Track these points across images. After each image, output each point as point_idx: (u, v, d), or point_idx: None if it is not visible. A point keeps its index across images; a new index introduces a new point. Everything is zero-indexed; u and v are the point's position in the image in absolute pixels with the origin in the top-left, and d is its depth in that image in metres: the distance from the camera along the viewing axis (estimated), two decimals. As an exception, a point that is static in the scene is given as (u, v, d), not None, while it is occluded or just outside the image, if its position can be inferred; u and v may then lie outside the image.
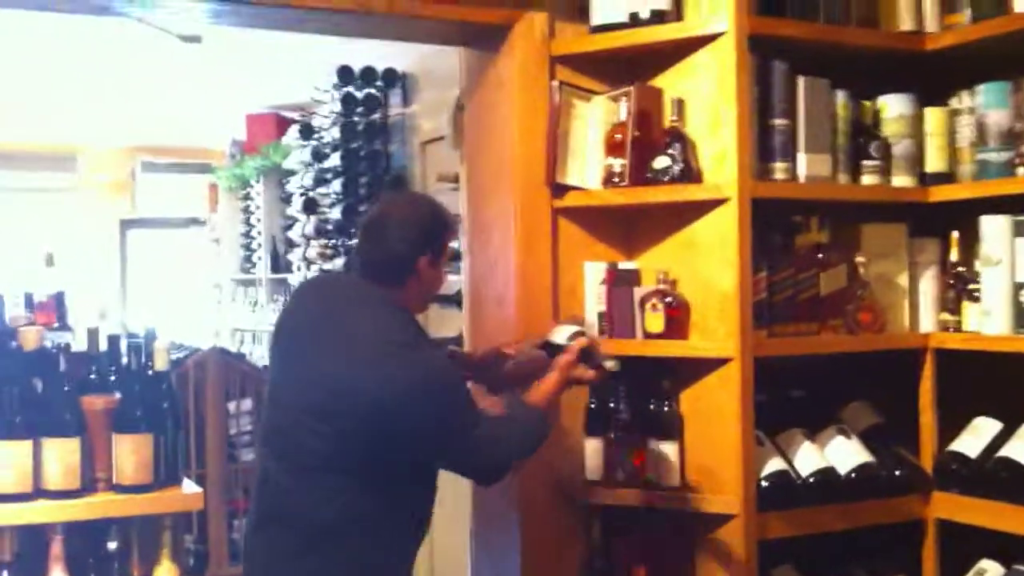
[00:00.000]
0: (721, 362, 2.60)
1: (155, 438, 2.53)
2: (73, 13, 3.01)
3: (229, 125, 7.57)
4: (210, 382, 5.02)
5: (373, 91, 5.12)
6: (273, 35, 4.27)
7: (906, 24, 2.83)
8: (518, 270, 2.77)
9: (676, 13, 2.71)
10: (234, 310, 8.08)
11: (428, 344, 2.44)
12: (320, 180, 5.65)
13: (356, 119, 5.16)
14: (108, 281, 8.99)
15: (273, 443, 2.40)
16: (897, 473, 2.78)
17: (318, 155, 5.56)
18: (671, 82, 2.75)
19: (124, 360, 2.66)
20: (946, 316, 2.84)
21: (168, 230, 9.37)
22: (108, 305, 8.52)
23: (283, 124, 6.83)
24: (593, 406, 2.77)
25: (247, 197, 7.78)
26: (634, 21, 2.71)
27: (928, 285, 2.90)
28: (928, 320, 2.89)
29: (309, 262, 6.04)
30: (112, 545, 2.50)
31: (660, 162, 2.67)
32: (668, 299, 2.67)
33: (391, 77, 5.05)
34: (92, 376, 2.64)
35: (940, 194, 2.83)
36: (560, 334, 2.46)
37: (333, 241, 5.66)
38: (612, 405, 2.74)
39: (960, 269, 2.81)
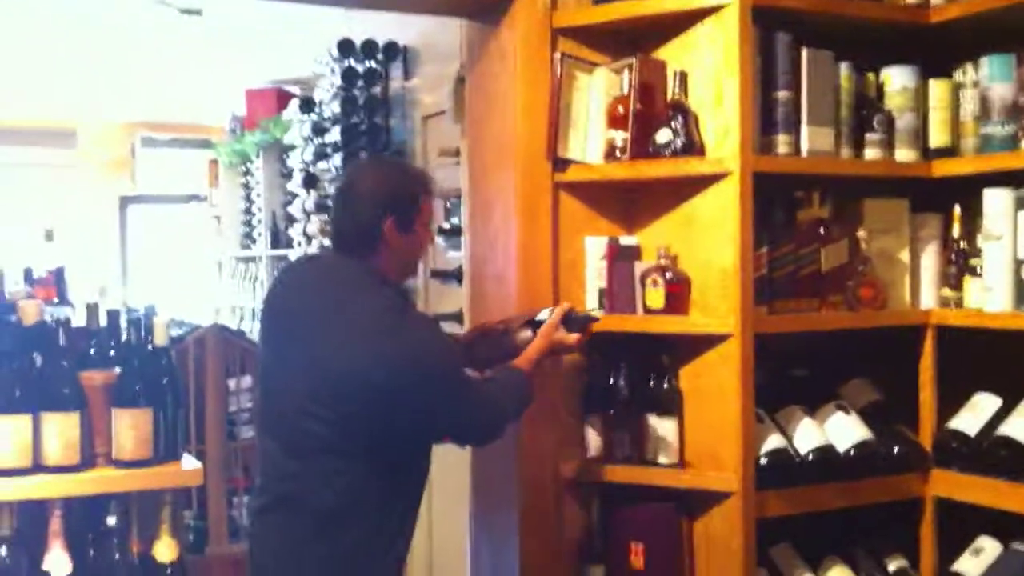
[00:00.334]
0: (721, 338, 2.59)
1: (154, 413, 2.52)
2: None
3: (229, 100, 7.53)
4: (210, 359, 5.01)
5: (374, 65, 5.08)
6: (273, 7, 4.24)
7: (910, -4, 2.81)
8: (519, 245, 2.75)
9: (679, -16, 2.68)
10: (234, 287, 8.06)
11: (416, 314, 2.45)
12: (320, 155, 5.62)
13: (357, 93, 5.11)
14: (108, 258, 8.99)
15: (273, 428, 2.40)
16: (896, 450, 2.78)
17: (318, 129, 5.52)
18: (674, 54, 2.73)
19: (124, 335, 2.66)
20: (947, 292, 2.82)
21: (168, 206, 9.36)
22: (108, 282, 8.52)
23: (283, 99, 6.79)
24: (592, 383, 2.76)
25: (247, 173, 7.75)
26: (636, -8, 2.69)
27: (930, 261, 2.88)
28: (929, 296, 2.87)
29: (310, 237, 6.02)
30: (111, 520, 2.50)
31: (662, 135, 2.65)
32: (668, 275, 2.66)
33: (392, 50, 5.00)
34: (92, 351, 2.64)
35: (943, 168, 2.81)
36: (544, 313, 2.58)
37: (333, 216, 5.62)
38: (611, 382, 2.73)
39: (962, 244, 2.80)
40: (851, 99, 2.78)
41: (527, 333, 2.57)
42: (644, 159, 2.67)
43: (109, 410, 2.50)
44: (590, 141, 2.77)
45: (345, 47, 5.07)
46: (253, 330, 6.98)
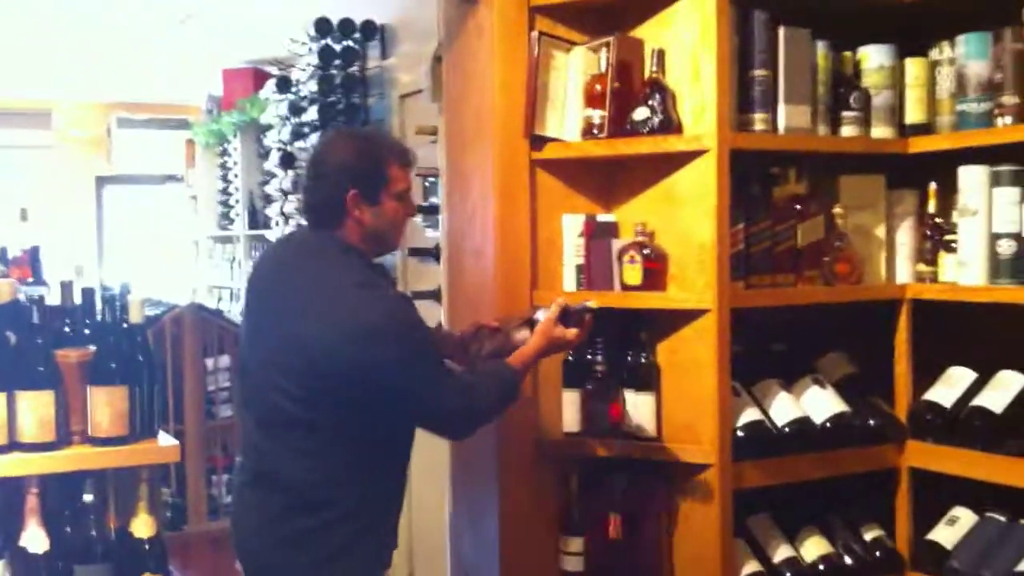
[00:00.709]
0: (698, 313, 2.60)
1: (130, 390, 2.52)
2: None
3: (206, 80, 7.49)
4: (187, 338, 5.01)
5: (351, 44, 5.07)
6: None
7: (887, -26, 2.82)
8: (496, 223, 2.75)
9: (656, -38, 2.68)
10: (212, 266, 8.04)
11: (383, 283, 2.39)
12: (298, 134, 5.61)
13: (334, 72, 5.10)
14: (84, 238, 8.94)
15: (250, 405, 2.41)
16: (872, 422, 2.80)
17: (295, 109, 5.51)
18: (652, 32, 2.73)
19: (99, 313, 2.65)
20: (923, 267, 2.85)
21: (145, 186, 9.30)
22: (85, 262, 8.47)
23: (260, 78, 6.77)
24: (570, 358, 2.77)
25: (224, 153, 7.72)
26: (614, -30, 2.69)
27: (905, 236, 2.90)
28: (905, 271, 2.89)
29: (287, 217, 6.01)
30: (88, 498, 2.49)
31: (640, 113, 2.66)
32: (646, 251, 2.67)
33: (369, 29, 4.99)
34: (66, 329, 2.63)
35: (919, 145, 2.83)
36: (541, 313, 2.50)
37: (311, 196, 5.61)
38: (589, 357, 2.74)
39: (937, 220, 2.82)
40: (828, 77, 2.79)
41: (524, 333, 2.50)
42: (622, 137, 2.67)
43: (84, 388, 2.49)
44: (568, 119, 2.77)
45: (322, 26, 5.06)
46: (231, 310, 6.97)
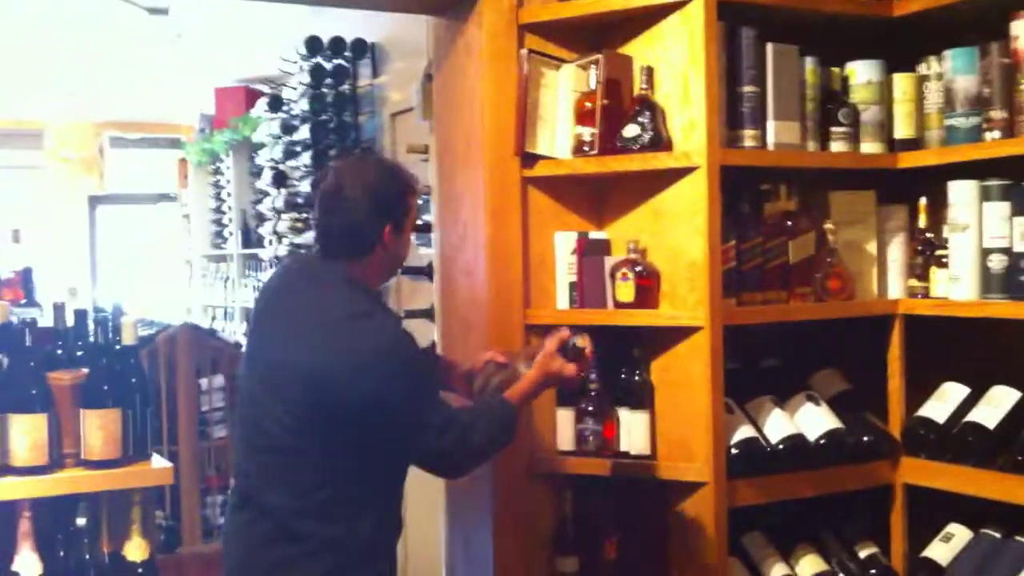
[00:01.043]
0: (691, 331, 2.60)
1: (123, 413, 2.52)
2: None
3: (198, 99, 7.50)
4: (181, 358, 4.98)
5: (342, 62, 5.07)
6: (241, 5, 4.22)
7: (875, -10, 2.83)
8: (488, 241, 2.76)
9: (645, -21, 2.69)
10: (205, 286, 8.03)
11: (384, 314, 2.37)
12: (290, 153, 5.61)
13: (325, 90, 5.11)
14: (77, 258, 8.93)
15: (242, 428, 2.39)
16: (866, 439, 2.80)
17: (287, 127, 5.51)
18: (641, 50, 2.74)
19: (91, 335, 2.64)
20: (914, 282, 2.85)
21: (137, 206, 9.30)
22: (78, 282, 8.46)
23: (252, 97, 6.78)
24: (564, 376, 2.77)
25: (217, 172, 7.72)
26: (602, -12, 2.70)
27: (896, 251, 2.91)
28: (896, 287, 2.90)
29: (280, 236, 6.00)
30: (81, 521, 2.49)
31: (630, 130, 2.66)
32: (638, 268, 2.67)
33: (360, 48, 5.00)
34: (59, 351, 2.62)
35: (908, 160, 2.84)
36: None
37: (304, 214, 5.62)
38: (583, 375, 2.74)
39: (928, 235, 2.83)
40: (816, 93, 2.80)
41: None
42: (612, 154, 2.68)
43: (77, 410, 2.49)
44: (558, 136, 2.77)
45: (313, 45, 5.07)
46: (225, 329, 6.96)
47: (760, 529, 2.79)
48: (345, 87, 5.08)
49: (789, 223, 2.79)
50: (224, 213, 7.60)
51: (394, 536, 2.42)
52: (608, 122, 2.68)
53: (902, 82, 2.86)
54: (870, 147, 2.85)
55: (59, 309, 2.67)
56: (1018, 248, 2.55)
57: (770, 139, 2.71)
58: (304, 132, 5.28)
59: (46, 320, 2.83)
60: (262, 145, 6.13)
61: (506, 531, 2.75)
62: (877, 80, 2.85)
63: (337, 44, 5.03)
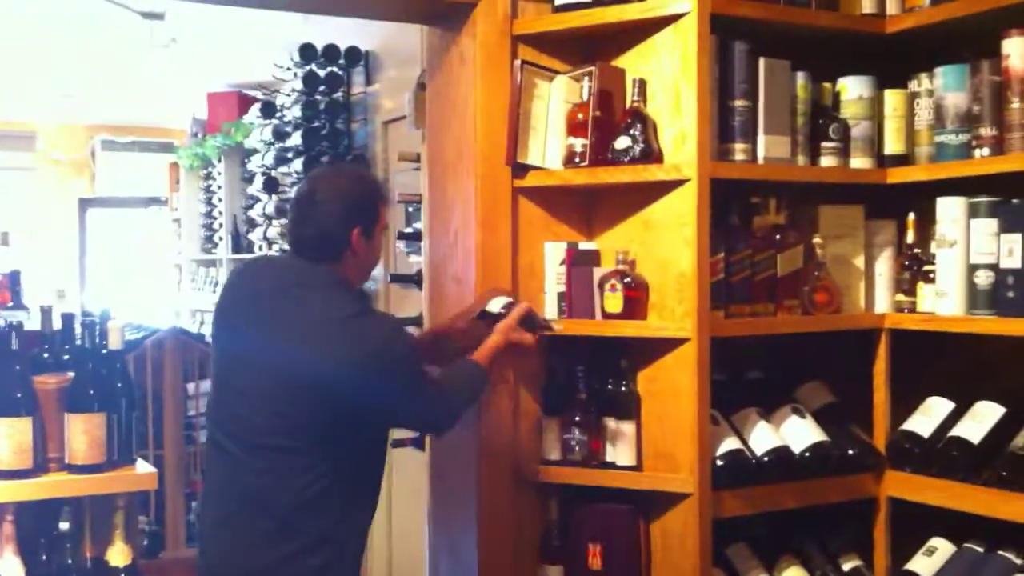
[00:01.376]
0: (678, 342, 2.61)
1: (108, 418, 2.51)
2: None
3: (190, 103, 7.49)
4: (168, 363, 4.98)
5: (335, 70, 5.08)
6: (235, 12, 4.22)
7: (867, 6, 2.84)
8: (478, 250, 2.76)
9: (638, -8, 2.70)
10: (195, 290, 8.01)
11: (376, 313, 2.54)
12: (281, 159, 5.61)
13: (318, 98, 5.11)
14: (67, 261, 8.90)
15: (229, 428, 2.38)
16: (851, 452, 2.81)
17: (279, 134, 5.51)
18: (633, 62, 2.75)
19: (77, 339, 2.64)
20: (901, 297, 2.86)
21: (128, 209, 9.28)
22: (67, 285, 8.44)
23: (245, 102, 6.77)
24: (551, 386, 2.77)
25: (208, 176, 7.71)
26: (597, 0, 2.70)
27: (884, 266, 2.92)
28: (883, 301, 2.91)
29: (270, 242, 6.00)
30: (64, 525, 2.48)
31: (621, 142, 2.67)
32: (627, 279, 2.68)
33: (354, 56, 5.01)
34: (45, 355, 2.61)
35: (898, 176, 2.85)
36: (494, 304, 2.62)
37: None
38: (570, 385, 2.75)
39: (916, 250, 2.84)
40: (807, 108, 2.81)
41: (482, 327, 2.61)
42: (603, 165, 2.68)
43: (62, 415, 2.48)
44: (549, 147, 2.78)
45: (307, 52, 5.07)
46: (213, 334, 6.93)
47: (745, 541, 2.80)
48: (338, 94, 5.09)
49: (778, 236, 2.80)
50: (215, 218, 7.59)
51: (369, 524, 2.50)
52: (600, 134, 2.69)
53: (893, 98, 2.88)
54: (860, 162, 2.86)
55: (46, 312, 2.67)
56: (1005, 264, 2.56)
57: (760, 153, 2.72)
58: (296, 139, 5.28)
59: (33, 323, 2.83)
60: (254, 151, 6.13)
61: (491, 539, 2.75)
62: (868, 96, 2.86)
63: (331, 51, 5.04)
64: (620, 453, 2.69)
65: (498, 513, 2.75)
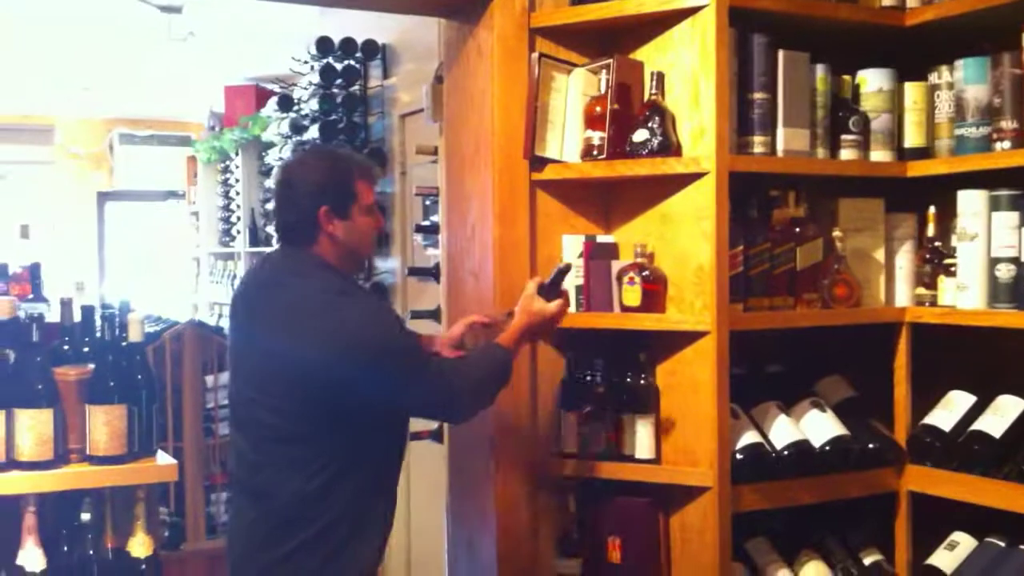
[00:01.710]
0: (697, 335, 2.60)
1: (129, 409, 2.52)
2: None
3: (208, 97, 7.51)
4: (187, 355, 4.99)
5: (352, 63, 5.08)
6: (253, 5, 4.23)
7: (887, -1, 2.83)
8: (495, 243, 2.76)
9: (657, -16, 2.69)
10: (212, 283, 8.04)
11: (359, 292, 2.44)
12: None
13: (335, 91, 5.11)
14: (85, 254, 8.94)
15: (237, 422, 2.43)
16: (871, 446, 2.80)
17: (297, 127, 5.52)
18: (651, 55, 2.74)
19: (98, 331, 2.65)
20: (922, 291, 2.85)
21: (146, 203, 9.32)
22: (86, 278, 8.48)
23: (262, 96, 6.78)
24: (569, 380, 2.77)
25: (226, 170, 7.73)
26: (614, -8, 2.70)
27: (904, 259, 2.91)
28: (904, 294, 2.90)
29: (288, 235, 6.00)
30: (86, 516, 2.49)
31: (639, 135, 2.66)
32: (645, 272, 2.67)
33: (371, 49, 5.00)
34: (66, 347, 2.63)
35: (918, 169, 2.84)
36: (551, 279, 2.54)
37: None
38: (588, 378, 2.74)
39: (936, 244, 2.82)
40: (827, 100, 2.80)
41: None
42: (621, 158, 2.68)
43: (83, 406, 2.49)
44: (567, 140, 2.78)
45: (324, 45, 5.07)
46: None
47: (764, 535, 2.79)
48: (355, 88, 5.08)
49: (797, 229, 2.79)
50: (232, 211, 7.61)
51: (386, 514, 2.44)
52: (617, 126, 2.68)
53: (913, 91, 2.86)
54: (880, 155, 2.85)
55: (66, 305, 2.68)
56: (1026, 258, 2.55)
57: (780, 146, 2.71)
58: (313, 132, 5.28)
59: (53, 316, 2.84)
60: (271, 144, 6.14)
61: (509, 532, 2.75)
62: (888, 88, 2.85)
63: (348, 45, 5.03)
64: (639, 447, 2.68)
65: (516, 507, 2.75)
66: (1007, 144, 2.61)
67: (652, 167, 2.64)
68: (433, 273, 3.84)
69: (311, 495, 2.28)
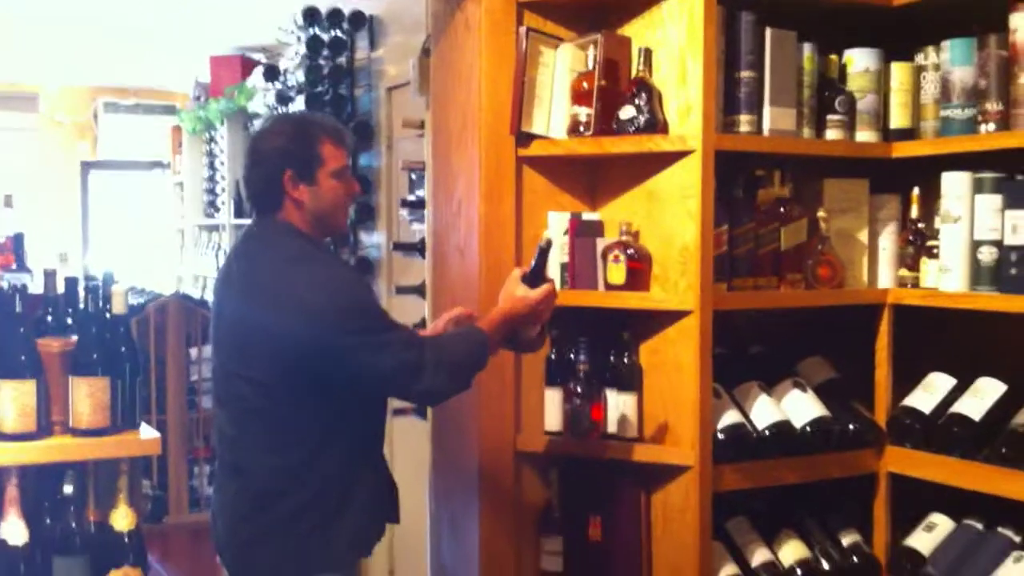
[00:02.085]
0: (681, 315, 2.61)
1: (112, 382, 2.51)
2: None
3: (193, 66, 7.45)
4: (171, 328, 4.98)
5: (339, 34, 5.04)
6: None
7: (875, -22, 2.82)
8: (481, 219, 2.75)
9: (645, -39, 2.68)
10: (197, 255, 8.01)
11: (322, 257, 2.38)
12: (285, 124, 5.57)
13: (322, 62, 5.08)
14: (69, 224, 8.89)
15: (217, 395, 2.46)
16: (851, 427, 2.81)
17: (282, 98, 5.48)
18: (639, 31, 2.73)
19: (81, 303, 2.64)
20: (904, 272, 2.86)
21: (130, 172, 9.26)
22: (69, 248, 8.43)
23: (248, 66, 6.73)
24: (553, 357, 2.77)
25: (211, 140, 7.68)
26: (602, -32, 2.69)
27: (888, 241, 2.91)
28: (887, 276, 2.91)
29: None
30: (68, 489, 2.48)
31: (626, 112, 2.66)
32: (630, 251, 2.67)
33: (358, 20, 4.96)
34: (49, 318, 2.62)
35: (903, 150, 2.84)
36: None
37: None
38: (572, 356, 2.75)
39: (920, 226, 2.83)
40: (813, 80, 2.80)
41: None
42: (608, 135, 2.67)
43: (66, 378, 2.48)
44: (554, 116, 2.77)
45: (310, 15, 5.03)
46: (215, 299, 6.93)
47: (744, 514, 2.81)
48: (342, 59, 5.05)
49: (782, 209, 2.79)
50: (217, 183, 7.56)
51: (372, 489, 2.41)
52: (605, 103, 2.68)
53: (899, 71, 2.86)
54: (865, 136, 2.85)
55: (50, 276, 2.67)
56: (1009, 241, 2.56)
57: (766, 125, 2.71)
58: (299, 104, 5.24)
59: (36, 286, 2.82)
60: (257, 115, 6.10)
61: (492, 509, 2.76)
62: (875, 69, 2.85)
63: (335, 15, 5.00)
64: (622, 425, 2.69)
65: (499, 484, 2.76)
66: (992, 126, 2.61)
67: (638, 144, 2.64)
68: (418, 248, 3.83)
69: (289, 469, 2.28)
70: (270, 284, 2.27)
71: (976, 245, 2.62)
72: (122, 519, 2.50)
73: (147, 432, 2.58)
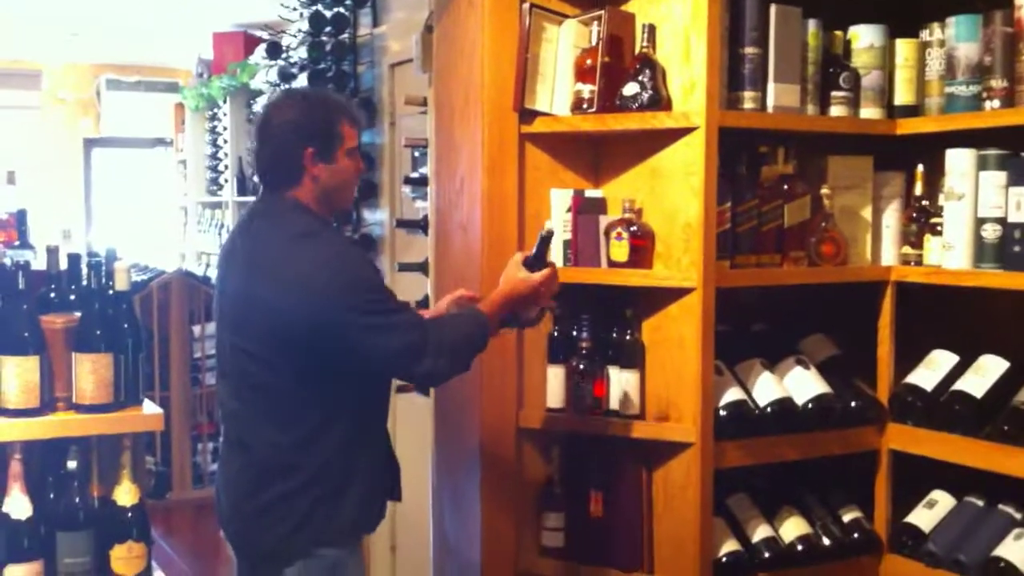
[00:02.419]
0: (683, 292, 2.60)
1: (115, 358, 2.51)
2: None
3: (196, 43, 7.43)
4: (174, 305, 5.00)
5: (342, 10, 5.02)
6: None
7: (880, -46, 2.81)
8: (484, 196, 2.75)
9: (649, -64, 2.66)
10: (200, 232, 8.01)
11: (326, 233, 2.38)
12: (288, 101, 5.56)
13: (324, 39, 5.06)
14: (72, 201, 8.89)
15: (221, 371, 2.47)
16: (853, 404, 2.81)
17: (285, 75, 5.46)
18: (643, 7, 2.72)
19: (84, 279, 2.64)
20: (908, 250, 2.85)
21: (133, 150, 9.25)
22: (72, 225, 8.43)
23: (251, 43, 6.71)
24: (555, 334, 2.78)
25: (214, 117, 7.67)
26: (606, -57, 2.67)
27: (892, 218, 2.91)
28: (890, 253, 2.90)
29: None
30: (72, 464, 2.49)
31: (629, 89, 2.65)
32: (633, 228, 2.67)
33: (361, -4, 4.95)
34: (52, 295, 2.62)
35: (907, 127, 2.83)
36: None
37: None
38: (574, 333, 2.75)
39: (924, 203, 2.82)
40: (818, 56, 2.78)
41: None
42: (611, 112, 2.66)
43: (69, 354, 2.49)
44: (557, 93, 2.76)
45: (313, -9, 5.01)
46: (219, 277, 6.94)
47: (745, 491, 2.82)
48: (345, 36, 5.03)
49: (786, 187, 2.79)
50: (220, 160, 7.56)
51: (377, 465, 2.43)
52: (608, 80, 2.66)
53: (904, 48, 2.85)
54: (870, 112, 2.84)
55: (53, 252, 2.67)
56: (1013, 218, 2.55)
57: (770, 101, 2.70)
58: (302, 80, 5.23)
59: (39, 263, 2.83)
60: (260, 92, 6.09)
61: (494, 486, 2.77)
62: (879, 45, 2.83)
63: (338, -8, 4.97)
64: (624, 402, 2.70)
65: (501, 460, 2.77)
66: (996, 103, 2.60)
67: (642, 121, 2.63)
68: (421, 226, 3.82)
69: (292, 445, 2.29)
70: (274, 260, 2.27)
71: (980, 222, 2.61)
72: (125, 494, 2.51)
73: (150, 408, 2.59)
